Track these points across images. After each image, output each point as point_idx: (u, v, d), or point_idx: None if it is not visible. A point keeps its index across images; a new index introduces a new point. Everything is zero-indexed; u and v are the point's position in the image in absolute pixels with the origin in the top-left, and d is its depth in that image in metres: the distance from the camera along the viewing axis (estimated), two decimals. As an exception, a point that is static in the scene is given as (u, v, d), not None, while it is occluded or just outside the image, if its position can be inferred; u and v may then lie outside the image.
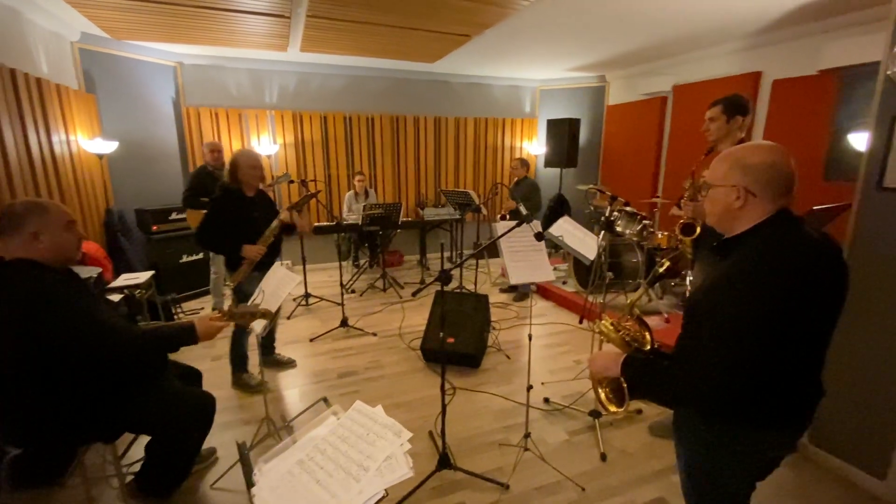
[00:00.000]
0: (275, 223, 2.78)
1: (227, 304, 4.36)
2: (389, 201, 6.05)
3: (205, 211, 3.85)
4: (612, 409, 1.38)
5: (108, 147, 4.12)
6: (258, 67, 5.39)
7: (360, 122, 5.96)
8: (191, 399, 1.82)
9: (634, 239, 4.16)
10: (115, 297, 3.15)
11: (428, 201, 6.43)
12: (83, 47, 4.22)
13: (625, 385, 1.23)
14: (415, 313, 4.39)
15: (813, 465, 2.29)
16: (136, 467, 1.88)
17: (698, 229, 2.31)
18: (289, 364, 3.28)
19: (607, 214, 2.53)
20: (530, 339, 2.42)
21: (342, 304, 4.07)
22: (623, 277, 4.21)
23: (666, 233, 4.27)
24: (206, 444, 2.22)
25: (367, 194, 5.67)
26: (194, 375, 2.12)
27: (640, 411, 2.73)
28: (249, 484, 0.96)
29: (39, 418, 1.57)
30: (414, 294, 2.17)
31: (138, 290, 3.59)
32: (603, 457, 2.35)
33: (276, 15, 3.62)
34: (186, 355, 2.97)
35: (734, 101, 2.33)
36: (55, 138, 3.50)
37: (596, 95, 6.47)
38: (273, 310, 1.98)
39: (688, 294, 1.35)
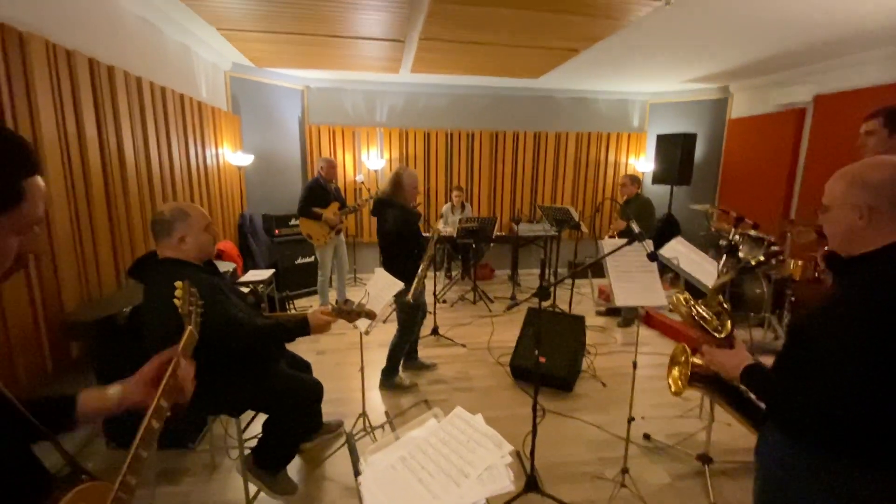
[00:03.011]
0: (433, 234, 3.11)
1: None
2: (484, 215, 6.12)
3: (314, 219, 4.24)
4: (673, 389, 1.63)
5: (246, 160, 4.75)
6: (371, 89, 5.84)
7: (461, 138, 6.14)
8: (303, 384, 2.00)
9: (760, 268, 3.70)
10: (245, 290, 3.58)
11: (523, 217, 6.38)
12: (233, 75, 4.94)
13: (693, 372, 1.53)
14: (504, 329, 4.34)
15: None
16: (254, 442, 2.09)
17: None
18: (431, 368, 3.50)
19: (730, 237, 2.27)
20: (635, 366, 2.25)
21: (434, 314, 4.17)
22: (744, 310, 3.75)
23: (800, 262, 3.73)
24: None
25: (463, 208, 5.79)
26: (305, 365, 2.33)
27: (761, 464, 2.38)
28: (356, 472, 1.02)
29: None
30: (508, 308, 2.17)
31: (261, 286, 4.05)
32: (714, 509, 2.09)
33: (392, 40, 3.91)
34: (295, 349, 3.27)
35: (899, 111, 1.98)
36: (208, 152, 4.12)
37: (715, 108, 5.92)
38: (377, 309, 2.10)
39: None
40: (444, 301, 5.21)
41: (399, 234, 2.90)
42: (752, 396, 1.41)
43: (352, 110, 5.90)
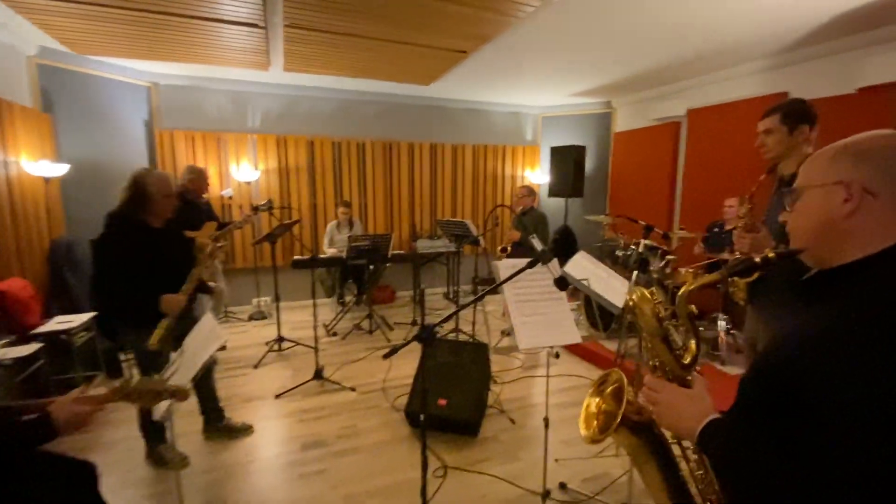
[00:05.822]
0: (196, 271, 2.14)
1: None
2: (381, 232, 5.56)
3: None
4: (584, 431, 1.07)
5: (57, 170, 3.64)
6: (241, 89, 5.01)
7: (350, 148, 5.55)
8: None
9: (654, 276, 3.64)
10: (34, 347, 2.60)
11: (423, 233, 5.94)
12: (42, 63, 3.82)
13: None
14: (403, 362, 3.76)
15: None
16: None
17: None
18: (244, 431, 2.65)
19: (640, 249, 2.00)
20: (546, 425, 1.83)
21: (316, 350, 3.49)
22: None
23: (690, 269, 3.75)
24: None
25: (350, 225, 5.18)
26: (82, 472, 1.50)
27: None
28: None
29: None
30: (385, 356, 1.63)
31: (78, 334, 3.06)
32: (644, 577, 1.74)
33: (249, 24, 3.23)
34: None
35: (796, 107, 1.87)
36: (-14, 158, 3.03)
37: (602, 122, 6.10)
38: (187, 379, 1.42)
39: (761, 348, 0.88)
40: (335, 334, 4.52)
41: (129, 262, 2.03)
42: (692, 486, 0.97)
43: (216, 113, 5.00)
